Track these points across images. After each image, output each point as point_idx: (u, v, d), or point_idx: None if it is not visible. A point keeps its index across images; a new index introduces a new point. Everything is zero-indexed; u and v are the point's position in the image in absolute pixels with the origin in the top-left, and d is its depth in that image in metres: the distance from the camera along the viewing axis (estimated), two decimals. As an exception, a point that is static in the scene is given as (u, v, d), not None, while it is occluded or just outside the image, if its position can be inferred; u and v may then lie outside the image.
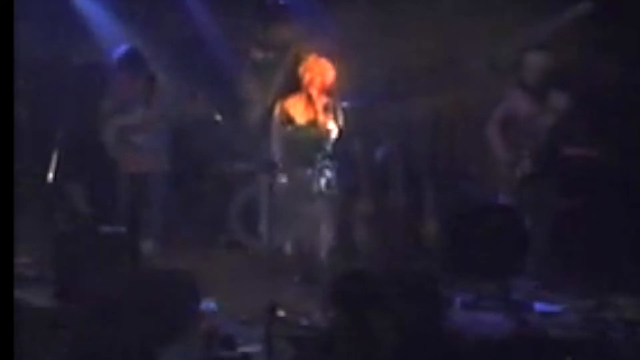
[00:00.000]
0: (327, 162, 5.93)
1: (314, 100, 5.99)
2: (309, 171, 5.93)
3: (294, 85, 6.19)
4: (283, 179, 5.95)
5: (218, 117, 7.72)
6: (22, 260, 5.63)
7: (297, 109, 6.04)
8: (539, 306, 5.51)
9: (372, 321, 3.39)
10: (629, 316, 5.14)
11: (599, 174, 6.38)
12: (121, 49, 7.07)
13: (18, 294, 3.96)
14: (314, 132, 5.96)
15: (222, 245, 7.34)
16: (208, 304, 4.94)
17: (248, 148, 7.67)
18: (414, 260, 6.62)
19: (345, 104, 6.43)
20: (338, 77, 6.13)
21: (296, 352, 4.22)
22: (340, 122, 6.01)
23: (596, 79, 6.43)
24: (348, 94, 6.74)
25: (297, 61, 6.18)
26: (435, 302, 4.12)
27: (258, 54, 8.06)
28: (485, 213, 6.12)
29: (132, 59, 6.97)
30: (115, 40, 7.64)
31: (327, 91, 6.08)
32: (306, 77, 6.00)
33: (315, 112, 5.98)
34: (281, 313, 4.84)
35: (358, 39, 7.37)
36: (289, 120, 6.03)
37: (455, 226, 6.20)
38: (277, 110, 6.13)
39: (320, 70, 6.01)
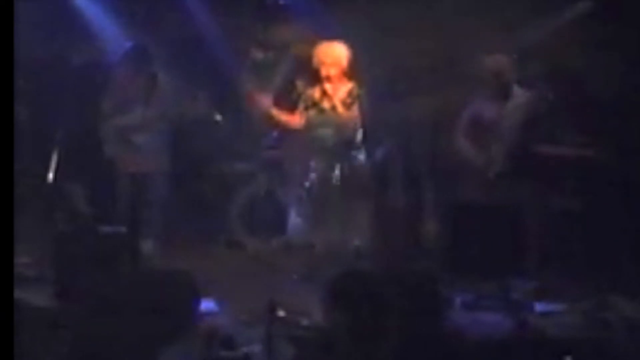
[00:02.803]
0: (349, 151, 5.87)
1: (332, 89, 5.92)
2: (328, 159, 5.88)
3: (313, 77, 6.11)
4: (299, 169, 5.93)
5: (218, 117, 7.73)
6: (22, 260, 5.62)
7: (320, 95, 6.00)
8: (539, 306, 5.50)
9: (371, 321, 3.39)
10: (629, 316, 5.14)
11: (599, 174, 6.38)
12: (129, 44, 7.09)
13: (18, 294, 3.95)
14: (334, 118, 5.89)
15: (222, 245, 7.34)
16: (208, 304, 4.94)
17: (248, 148, 7.68)
18: (414, 260, 6.62)
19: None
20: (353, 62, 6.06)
21: (296, 352, 4.22)
22: (366, 109, 5.94)
23: (596, 79, 6.43)
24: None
25: (298, 61, 6.15)
26: (435, 302, 4.11)
27: (258, 54, 8.06)
28: (484, 213, 6.12)
29: (139, 54, 6.97)
30: (115, 40, 7.65)
31: (348, 75, 6.02)
32: (316, 63, 5.95)
33: (333, 100, 5.91)
34: (281, 313, 4.84)
35: (358, 39, 7.37)
36: (314, 103, 5.97)
37: (455, 226, 6.19)
38: (302, 96, 6.07)
39: (332, 55, 5.95)
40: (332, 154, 5.88)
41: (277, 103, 6.34)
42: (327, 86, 5.97)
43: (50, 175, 6.31)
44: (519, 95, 6.01)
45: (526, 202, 5.97)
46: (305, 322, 4.80)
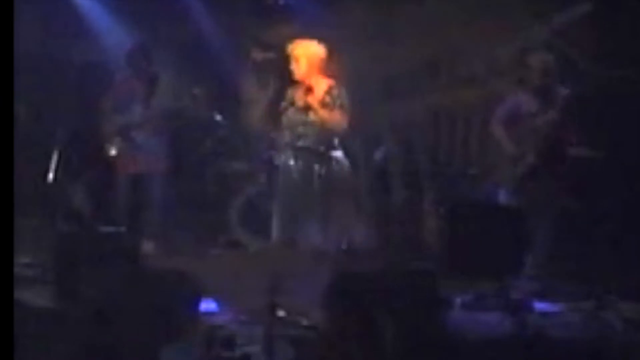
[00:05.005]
0: (330, 152, 5.78)
1: (307, 89, 5.72)
2: (310, 159, 5.75)
3: (290, 77, 5.96)
4: (283, 168, 5.82)
5: (218, 117, 7.73)
6: (22, 260, 5.63)
7: (298, 94, 5.80)
8: (539, 306, 5.51)
9: (372, 321, 3.39)
10: (629, 316, 5.14)
11: (599, 174, 6.38)
12: (129, 44, 7.09)
13: (18, 294, 3.96)
14: (312, 116, 5.70)
15: (222, 244, 7.34)
16: (208, 304, 4.94)
17: (248, 148, 7.68)
18: (414, 260, 6.62)
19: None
20: (335, 64, 5.97)
21: (296, 352, 4.22)
22: (346, 109, 5.81)
23: (596, 79, 6.42)
24: (348, 94, 6.72)
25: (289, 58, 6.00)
26: (435, 302, 4.12)
27: (258, 54, 8.06)
28: (485, 213, 6.12)
29: (139, 54, 6.98)
30: (115, 40, 7.66)
31: (326, 74, 5.86)
32: (292, 62, 5.77)
33: (313, 97, 5.69)
34: (281, 313, 4.84)
35: (358, 39, 7.38)
36: (292, 103, 5.81)
37: (455, 226, 6.19)
38: (284, 97, 5.91)
39: (303, 52, 5.76)
40: (311, 153, 5.76)
41: (273, 104, 6.27)
42: (302, 85, 5.82)
43: (50, 175, 6.31)
44: (559, 94, 5.99)
45: (543, 201, 5.96)
46: (305, 322, 4.80)
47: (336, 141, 5.78)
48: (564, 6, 6.91)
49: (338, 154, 5.79)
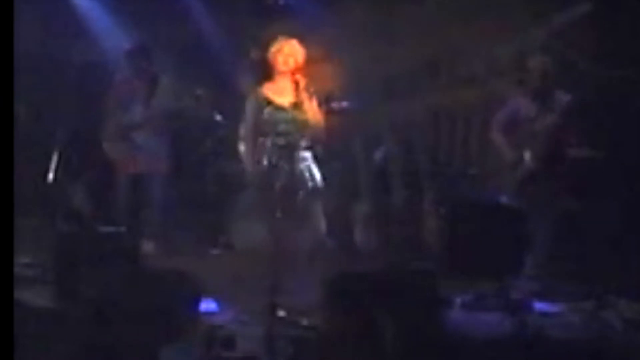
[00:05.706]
0: (309, 152, 5.69)
1: (295, 82, 5.55)
2: (290, 158, 5.56)
3: (269, 72, 5.75)
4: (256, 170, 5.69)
5: (218, 117, 7.72)
6: (22, 260, 5.63)
7: (275, 92, 5.64)
8: (539, 306, 5.51)
9: (371, 321, 3.39)
10: (629, 316, 5.14)
11: (599, 174, 6.38)
12: (129, 44, 7.09)
13: (18, 294, 3.96)
14: (297, 114, 5.54)
15: (222, 245, 7.34)
16: (208, 304, 4.94)
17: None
18: (414, 260, 6.62)
19: (345, 104, 6.35)
20: (333, 74, 5.93)
21: (296, 352, 4.22)
22: (322, 108, 5.68)
23: (596, 80, 6.42)
24: (348, 94, 6.73)
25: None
26: (435, 302, 4.12)
27: (258, 54, 8.05)
28: (485, 213, 6.12)
29: (139, 54, 6.98)
30: (115, 40, 7.66)
31: (302, 73, 5.73)
32: (279, 60, 5.61)
33: (298, 95, 5.53)
34: (281, 313, 4.84)
35: (358, 39, 7.38)
36: (268, 102, 5.62)
37: (455, 226, 6.19)
38: (251, 95, 5.73)
39: (291, 51, 5.61)
40: (293, 151, 5.63)
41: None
42: (280, 82, 5.69)
43: (50, 175, 6.31)
44: (558, 97, 5.99)
45: (543, 201, 5.96)
46: (305, 322, 4.80)
47: (307, 141, 5.68)
48: (564, 6, 6.91)
49: (308, 154, 5.69)
